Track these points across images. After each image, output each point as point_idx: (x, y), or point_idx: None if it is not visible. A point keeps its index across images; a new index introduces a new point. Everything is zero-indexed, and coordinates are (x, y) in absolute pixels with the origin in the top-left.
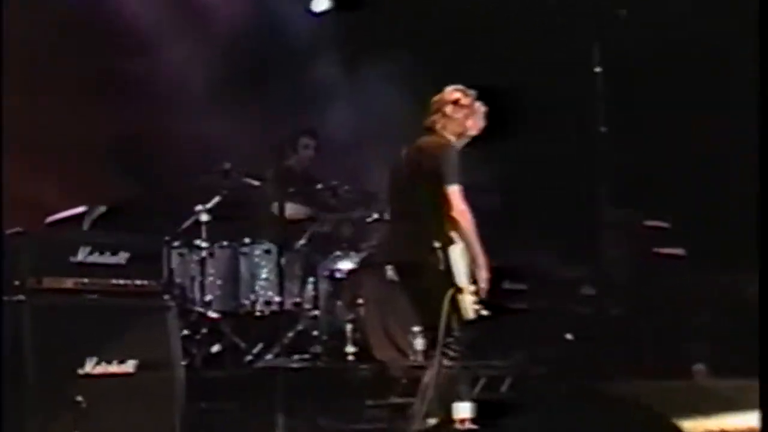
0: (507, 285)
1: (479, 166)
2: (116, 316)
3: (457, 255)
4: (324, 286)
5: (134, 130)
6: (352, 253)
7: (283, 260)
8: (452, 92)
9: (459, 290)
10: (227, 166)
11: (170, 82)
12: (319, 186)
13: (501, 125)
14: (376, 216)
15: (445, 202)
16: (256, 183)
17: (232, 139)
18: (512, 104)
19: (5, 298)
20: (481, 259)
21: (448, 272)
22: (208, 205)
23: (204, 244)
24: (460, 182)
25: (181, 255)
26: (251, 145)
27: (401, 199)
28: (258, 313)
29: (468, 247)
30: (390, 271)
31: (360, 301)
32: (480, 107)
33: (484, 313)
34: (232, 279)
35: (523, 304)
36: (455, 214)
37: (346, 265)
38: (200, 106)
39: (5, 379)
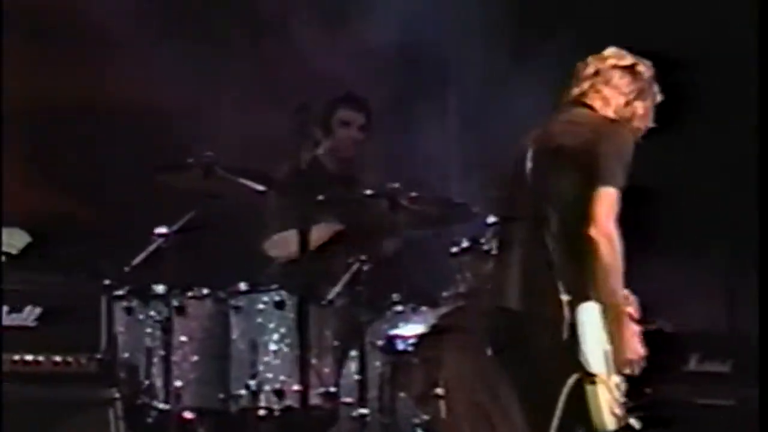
0: (693, 364)
1: None
2: (24, 414)
3: (592, 317)
4: (376, 363)
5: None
6: (425, 308)
7: (306, 320)
8: (621, 55)
9: (590, 378)
10: (208, 157)
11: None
12: (368, 192)
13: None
14: (465, 244)
15: (589, 218)
16: (258, 187)
17: (216, 114)
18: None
19: None
20: (627, 328)
21: (575, 345)
22: (176, 226)
23: (167, 291)
24: (621, 187)
25: (129, 311)
26: (251, 125)
27: (516, 214)
28: (262, 412)
29: (603, 296)
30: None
31: (439, 390)
32: (656, 90)
33: (635, 424)
34: (218, 352)
35: (719, 397)
36: (594, 233)
37: (414, 328)
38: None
39: None
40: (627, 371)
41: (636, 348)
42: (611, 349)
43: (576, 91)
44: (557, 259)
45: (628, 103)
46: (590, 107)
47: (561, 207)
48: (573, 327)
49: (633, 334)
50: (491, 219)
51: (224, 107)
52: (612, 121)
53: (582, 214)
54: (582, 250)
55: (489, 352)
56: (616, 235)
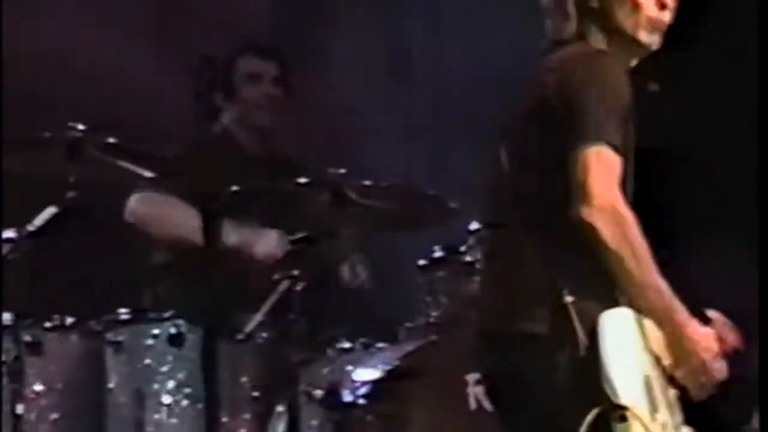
0: None
1: None
2: None
3: (620, 329)
4: (313, 422)
5: None
6: (381, 345)
7: (214, 361)
8: None
9: (619, 412)
10: (74, 130)
11: None
12: (302, 180)
13: None
14: (439, 254)
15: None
16: (145, 171)
17: (88, 72)
18: None
19: None
20: (693, 339)
21: (595, 365)
22: (28, 228)
23: (14, 321)
24: (617, 144)
25: None
26: (136, 88)
27: (503, 195)
28: None
29: (633, 298)
30: (475, 387)
31: None
32: None
33: None
34: (88, 407)
35: None
36: (586, 212)
37: (366, 372)
38: None
39: None
40: (695, 396)
41: (711, 368)
42: (659, 373)
43: (565, 25)
44: (556, 259)
45: (632, 10)
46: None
47: (544, 186)
48: (593, 344)
49: (704, 347)
50: (474, 225)
51: (100, 62)
52: (598, 51)
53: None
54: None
55: (472, 404)
56: (622, 207)
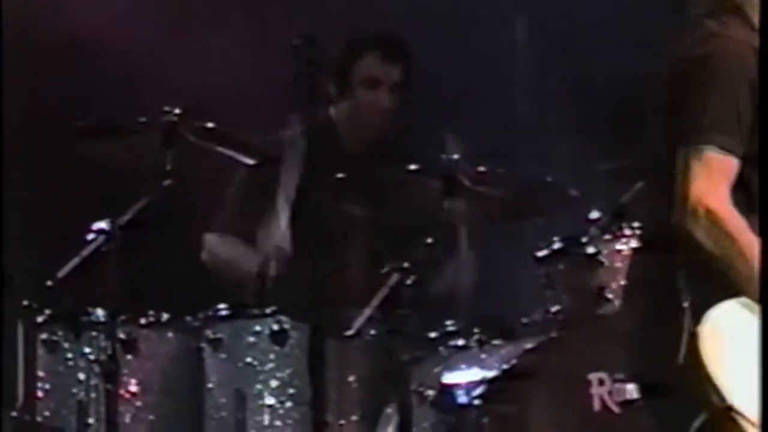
0: None
1: None
2: None
3: (728, 324)
4: (425, 424)
5: None
6: (497, 342)
7: (320, 360)
8: None
9: (728, 413)
10: (171, 115)
11: None
12: (412, 167)
13: None
14: (558, 245)
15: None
16: (246, 159)
17: (181, 58)
18: None
19: None
20: None
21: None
22: (122, 220)
23: (109, 317)
24: (728, 146)
25: (52, 346)
26: (231, 73)
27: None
28: None
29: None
30: (599, 387)
31: None
32: None
33: None
34: (186, 408)
35: None
36: (679, 218)
37: (481, 372)
38: None
39: None
40: None
41: None
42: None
43: None
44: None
45: None
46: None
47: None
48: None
49: None
50: (595, 214)
51: (193, 48)
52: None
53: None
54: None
55: (597, 406)
56: (725, 209)
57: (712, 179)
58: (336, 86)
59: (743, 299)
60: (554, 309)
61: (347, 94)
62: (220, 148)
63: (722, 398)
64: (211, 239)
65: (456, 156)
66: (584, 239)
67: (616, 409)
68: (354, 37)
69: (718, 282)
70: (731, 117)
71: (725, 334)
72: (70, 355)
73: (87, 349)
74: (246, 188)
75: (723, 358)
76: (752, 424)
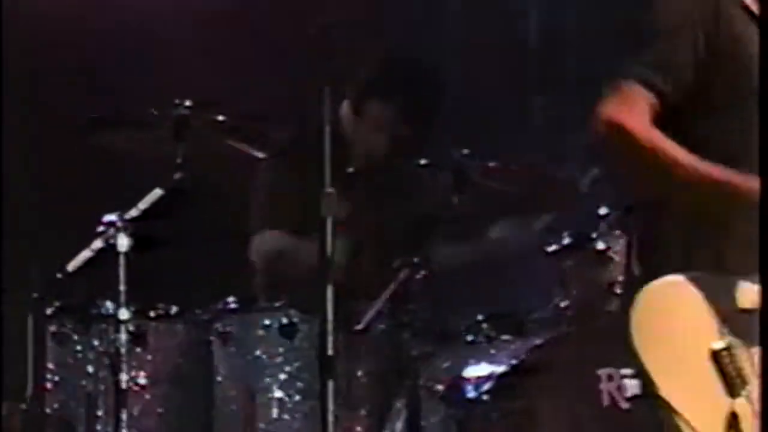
0: None
1: None
2: None
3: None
4: (434, 419)
5: None
6: (507, 337)
7: (329, 354)
8: None
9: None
10: (182, 107)
11: None
12: (422, 161)
13: None
14: (567, 240)
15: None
16: (257, 152)
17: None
18: None
19: None
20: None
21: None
22: (132, 212)
23: (124, 313)
24: (648, 79)
25: (61, 338)
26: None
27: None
28: None
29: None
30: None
31: None
32: None
33: None
34: (195, 402)
35: None
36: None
37: (490, 367)
38: None
39: None
40: None
41: None
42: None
43: None
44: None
45: None
46: None
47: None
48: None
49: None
50: (603, 210)
51: (205, 40)
52: None
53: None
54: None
55: (605, 401)
56: (637, 123)
57: (625, 102)
58: (352, 107)
59: (693, 273)
60: (563, 304)
61: (357, 111)
62: (231, 141)
63: (651, 384)
64: (257, 239)
65: (466, 151)
66: (594, 235)
67: (624, 405)
68: (374, 75)
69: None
70: (663, 57)
71: (656, 314)
72: (79, 348)
73: (96, 342)
74: (269, 182)
75: (655, 340)
76: (680, 415)
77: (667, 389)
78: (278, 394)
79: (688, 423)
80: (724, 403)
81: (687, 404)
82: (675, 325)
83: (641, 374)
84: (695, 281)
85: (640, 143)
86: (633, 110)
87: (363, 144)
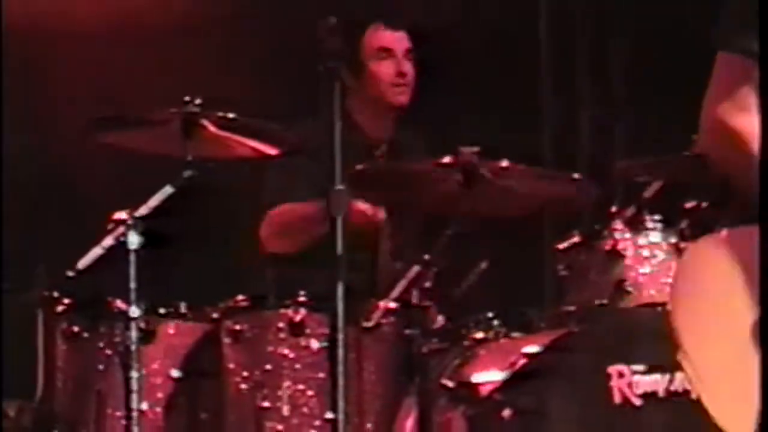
0: None
1: None
2: None
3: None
4: (446, 417)
5: None
6: (517, 335)
7: (339, 352)
8: None
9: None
10: (192, 105)
11: None
12: (431, 160)
13: None
14: (578, 238)
15: None
16: (269, 149)
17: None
18: None
19: None
20: None
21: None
22: (142, 210)
23: (134, 311)
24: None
25: (72, 336)
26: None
27: None
28: None
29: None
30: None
31: None
32: None
33: None
34: (205, 399)
35: None
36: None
37: (497, 364)
38: None
39: None
40: None
41: None
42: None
43: None
44: None
45: None
46: None
47: None
48: None
49: None
50: (615, 208)
51: (214, 37)
52: None
53: None
54: None
55: (617, 398)
56: (741, 122)
57: (734, 97)
58: (350, 71)
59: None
60: (574, 302)
61: (362, 74)
62: (241, 139)
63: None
64: (276, 211)
65: (476, 149)
66: (605, 233)
67: (636, 402)
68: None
69: None
70: (748, 15)
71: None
72: (89, 345)
73: (106, 340)
74: (279, 174)
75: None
76: (698, 378)
77: (692, 346)
78: (288, 391)
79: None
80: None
81: (710, 361)
82: (712, 283)
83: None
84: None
85: (751, 152)
86: (744, 106)
87: (379, 98)
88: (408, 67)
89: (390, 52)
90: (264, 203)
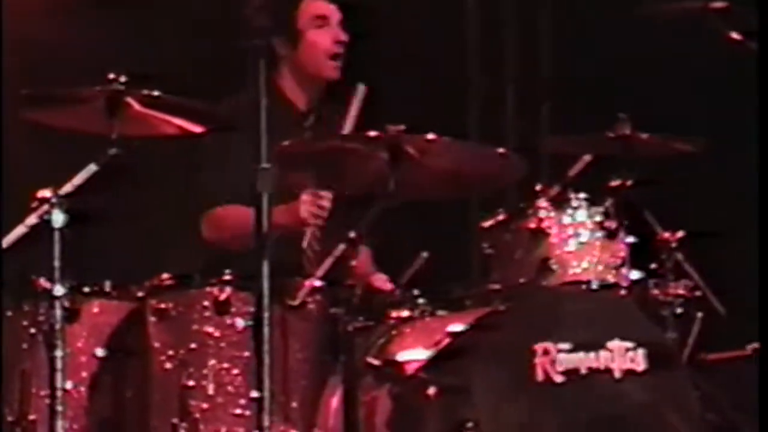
0: None
1: None
2: None
3: None
4: (372, 395)
5: None
6: (443, 313)
7: (267, 329)
8: None
9: None
10: (115, 82)
11: None
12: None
13: None
14: (503, 216)
15: None
16: (194, 127)
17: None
18: None
19: None
20: None
21: None
22: (66, 188)
23: (59, 289)
24: None
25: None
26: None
27: None
28: None
29: None
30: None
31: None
32: None
33: None
34: (130, 377)
35: None
36: None
37: (422, 343)
38: None
39: None
40: None
41: None
42: None
43: None
44: None
45: None
46: None
47: None
48: None
49: None
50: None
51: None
52: None
53: None
54: None
55: (540, 376)
56: None
57: None
58: (286, 39)
59: None
60: (500, 280)
61: (299, 42)
62: (166, 116)
63: None
64: (218, 213)
65: (402, 126)
66: (530, 211)
67: (558, 379)
68: None
69: None
70: None
71: None
72: (13, 325)
73: (30, 319)
74: (209, 155)
75: None
76: None
77: None
78: (214, 370)
79: None
80: None
81: None
82: None
83: None
84: None
85: None
86: None
87: (315, 66)
88: (344, 36)
89: (326, 20)
90: (200, 188)
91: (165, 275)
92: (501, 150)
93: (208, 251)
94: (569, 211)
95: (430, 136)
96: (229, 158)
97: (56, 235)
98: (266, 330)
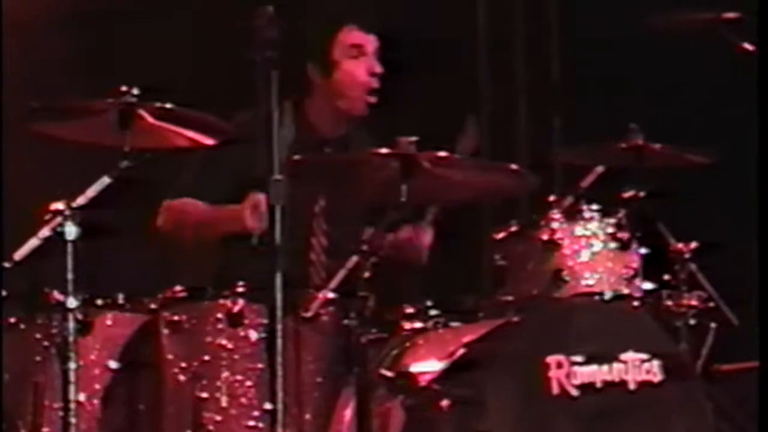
0: None
1: None
2: None
3: None
4: (385, 407)
5: None
6: (456, 324)
7: (280, 341)
8: None
9: None
10: (129, 94)
11: None
12: (370, 149)
13: None
14: (515, 227)
15: None
16: (207, 140)
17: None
18: None
19: None
20: None
21: None
22: (79, 200)
23: (72, 302)
24: None
25: (9, 329)
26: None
27: None
28: None
29: None
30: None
31: None
32: None
33: None
34: (143, 389)
35: None
36: None
37: (436, 354)
38: None
39: None
40: None
41: None
42: None
43: None
44: None
45: None
46: None
47: None
48: None
49: None
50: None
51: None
52: None
53: None
54: None
55: (555, 389)
56: None
57: None
58: (320, 66)
59: None
60: (512, 291)
61: (332, 70)
62: (178, 129)
63: None
64: (176, 204)
65: (415, 138)
66: (542, 222)
67: (574, 393)
68: (327, 15)
69: None
70: None
71: None
72: (26, 337)
73: (43, 331)
74: (206, 163)
75: None
76: None
77: None
78: (227, 382)
79: None
80: None
81: None
82: None
83: None
84: None
85: None
86: None
87: (349, 94)
88: (379, 68)
89: (362, 49)
90: (174, 190)
91: (178, 287)
92: (513, 166)
93: (220, 264)
94: (582, 222)
95: (442, 153)
96: (219, 162)
97: (69, 248)
98: (279, 342)
